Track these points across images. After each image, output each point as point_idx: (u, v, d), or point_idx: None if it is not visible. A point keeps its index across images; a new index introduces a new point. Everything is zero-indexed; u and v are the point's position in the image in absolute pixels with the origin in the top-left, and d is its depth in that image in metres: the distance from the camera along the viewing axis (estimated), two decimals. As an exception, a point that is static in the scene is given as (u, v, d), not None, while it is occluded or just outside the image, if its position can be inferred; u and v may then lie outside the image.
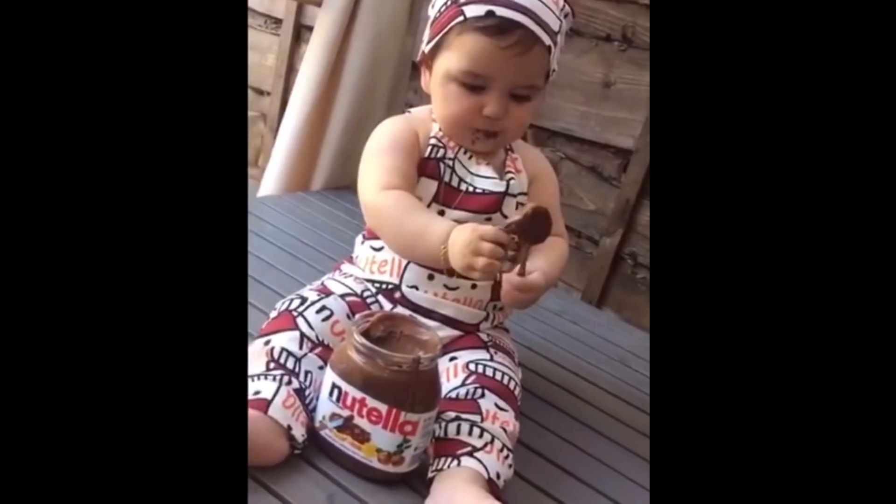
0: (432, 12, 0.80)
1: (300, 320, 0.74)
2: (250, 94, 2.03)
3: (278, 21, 1.91)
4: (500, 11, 0.72)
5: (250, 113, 2.03)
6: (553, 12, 0.76)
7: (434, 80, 0.79)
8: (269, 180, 1.42)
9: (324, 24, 1.38)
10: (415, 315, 0.77)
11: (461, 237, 0.67)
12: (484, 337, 0.81)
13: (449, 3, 0.76)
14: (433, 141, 0.80)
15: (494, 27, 0.73)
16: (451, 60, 0.76)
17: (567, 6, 0.79)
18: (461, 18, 0.74)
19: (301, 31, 1.89)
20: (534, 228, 0.68)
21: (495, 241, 0.65)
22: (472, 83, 0.76)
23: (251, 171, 2.07)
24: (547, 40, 0.75)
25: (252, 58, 2.00)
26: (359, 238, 0.87)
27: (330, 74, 1.39)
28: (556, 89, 1.49)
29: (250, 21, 1.98)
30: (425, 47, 0.80)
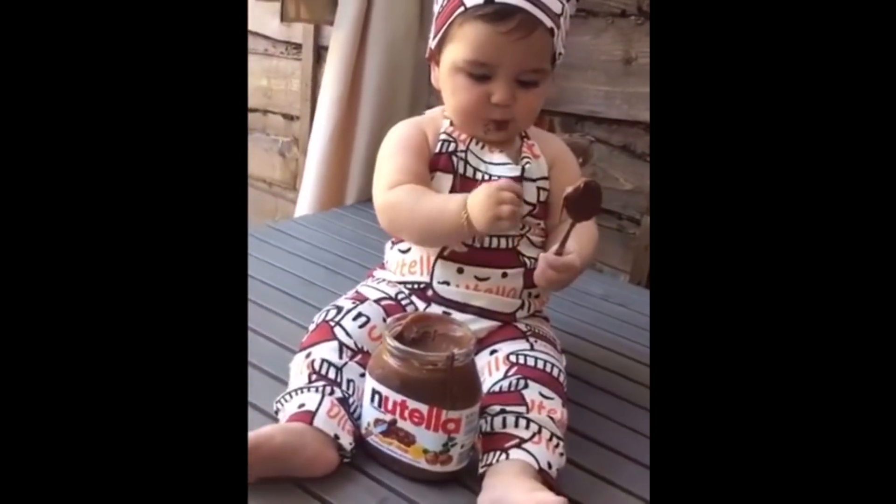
0: (436, 8, 0.80)
1: (337, 329, 0.75)
2: (281, 120, 2.07)
3: (298, 46, 1.95)
4: None
5: (283, 139, 2.08)
6: None
7: (442, 74, 0.80)
8: (303, 200, 1.45)
9: (338, 41, 1.40)
10: (449, 312, 0.77)
11: (479, 196, 0.71)
12: (522, 327, 0.80)
13: None
14: (443, 136, 0.80)
15: (494, 13, 0.73)
16: (455, 52, 0.76)
17: None
18: (462, 9, 0.74)
19: (321, 53, 1.91)
20: (584, 203, 0.69)
21: (512, 190, 0.69)
22: (478, 72, 0.76)
23: (291, 195, 2.11)
24: (548, 23, 0.74)
25: (278, 85, 2.04)
26: (388, 244, 0.87)
27: (350, 89, 1.41)
28: (577, 72, 1.47)
29: (271, 49, 2.03)
30: (432, 43, 0.81)
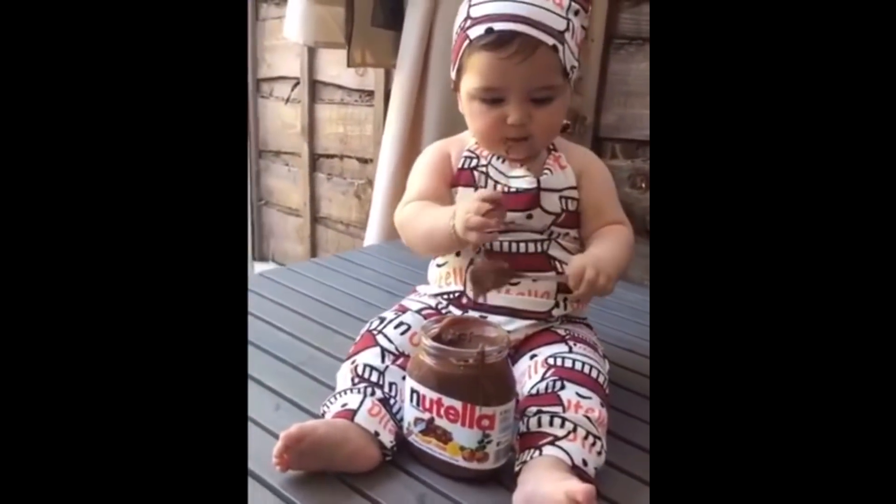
0: (453, 39, 0.86)
1: (380, 337, 0.79)
2: (356, 163, 2.18)
3: (370, 93, 2.06)
4: (498, 26, 0.77)
5: (358, 181, 2.18)
6: (555, 13, 0.78)
7: (462, 101, 0.85)
8: (371, 231, 1.51)
9: (399, 82, 1.48)
10: (484, 315, 0.79)
11: (461, 206, 0.73)
12: (561, 331, 0.81)
13: (459, 30, 0.82)
14: (466, 153, 0.86)
15: (494, 42, 0.77)
16: (468, 81, 0.81)
17: (576, 3, 0.80)
18: (468, 42, 0.80)
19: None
20: (485, 280, 0.78)
21: (493, 200, 0.72)
22: (490, 97, 0.80)
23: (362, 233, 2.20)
24: (550, 40, 0.77)
25: (353, 131, 2.16)
26: (431, 262, 0.91)
27: (411, 126, 1.48)
28: (636, 99, 1.48)
29: (346, 98, 2.15)
30: (452, 74, 0.86)
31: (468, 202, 0.74)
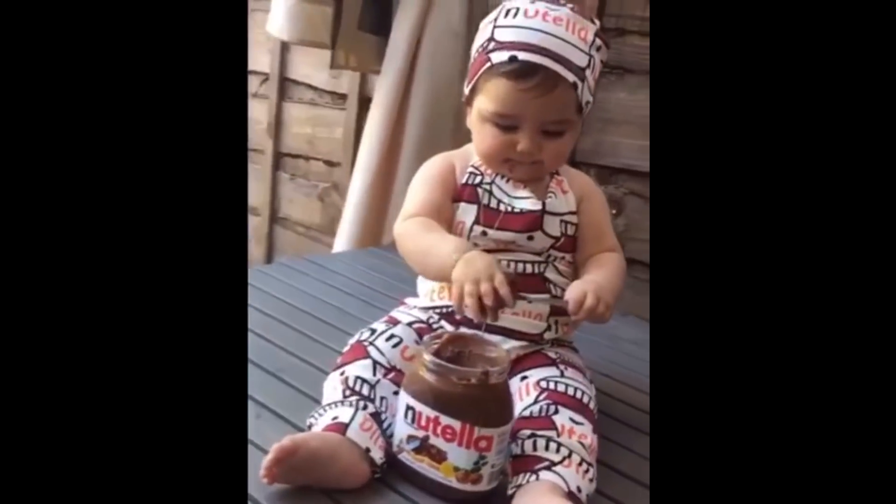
0: (472, 55, 0.85)
1: (371, 349, 0.76)
2: (322, 166, 2.14)
3: (343, 96, 2.03)
4: (522, 56, 0.76)
5: (323, 184, 2.14)
6: (579, 49, 0.78)
7: (473, 119, 0.84)
8: (341, 239, 1.49)
9: (383, 89, 1.47)
10: (479, 333, 0.78)
11: (483, 260, 0.71)
12: (552, 354, 0.81)
13: (481, 49, 0.81)
14: (471, 169, 0.85)
15: (516, 71, 0.77)
16: (483, 103, 0.80)
17: (598, 39, 0.81)
18: (489, 65, 0.79)
19: (365, 104, 1.99)
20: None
21: (497, 289, 0.67)
22: (503, 123, 0.79)
23: (328, 240, 2.16)
24: (571, 78, 0.77)
25: (322, 133, 2.12)
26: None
27: (392, 134, 1.47)
28: (613, 126, 1.51)
29: (317, 99, 2.12)
30: (466, 89, 0.85)
31: (488, 261, 0.70)
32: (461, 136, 1.58)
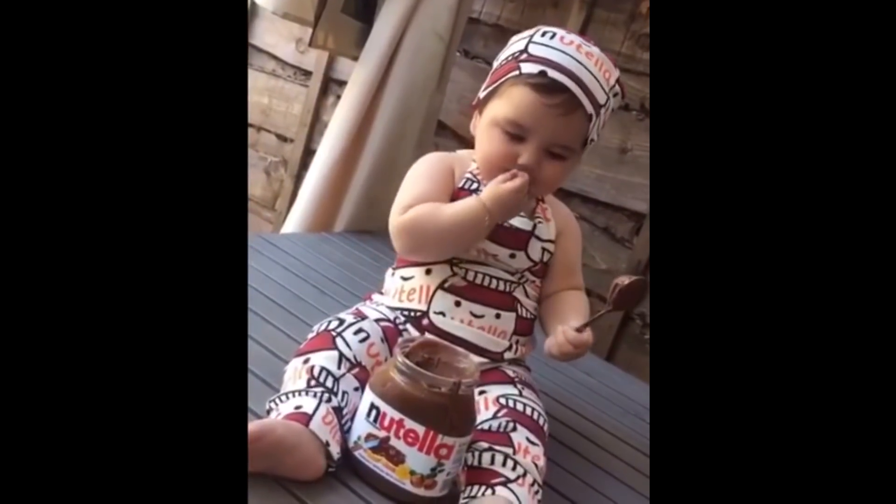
0: (495, 64, 0.87)
1: (339, 340, 0.76)
2: (274, 139, 2.09)
3: (307, 73, 1.99)
4: (552, 73, 0.79)
5: (272, 158, 2.09)
6: (602, 87, 0.81)
7: (481, 124, 0.85)
8: (292, 219, 1.46)
9: (359, 77, 1.45)
10: (453, 347, 0.79)
11: (491, 184, 0.80)
12: (510, 373, 0.83)
13: (510, 57, 0.83)
14: (468, 175, 0.86)
15: (544, 85, 0.79)
16: (498, 108, 0.82)
17: (618, 86, 0.84)
18: (517, 73, 0.80)
19: (329, 84, 1.96)
20: (628, 297, 0.79)
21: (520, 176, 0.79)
22: (513, 132, 0.81)
23: (267, 214, 2.11)
24: (590, 108, 0.80)
25: (279, 106, 2.07)
26: (389, 271, 0.90)
27: (361, 124, 1.45)
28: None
29: (279, 71, 2.06)
30: (481, 93, 0.86)
31: (495, 181, 0.79)
32: (428, 137, 1.59)
